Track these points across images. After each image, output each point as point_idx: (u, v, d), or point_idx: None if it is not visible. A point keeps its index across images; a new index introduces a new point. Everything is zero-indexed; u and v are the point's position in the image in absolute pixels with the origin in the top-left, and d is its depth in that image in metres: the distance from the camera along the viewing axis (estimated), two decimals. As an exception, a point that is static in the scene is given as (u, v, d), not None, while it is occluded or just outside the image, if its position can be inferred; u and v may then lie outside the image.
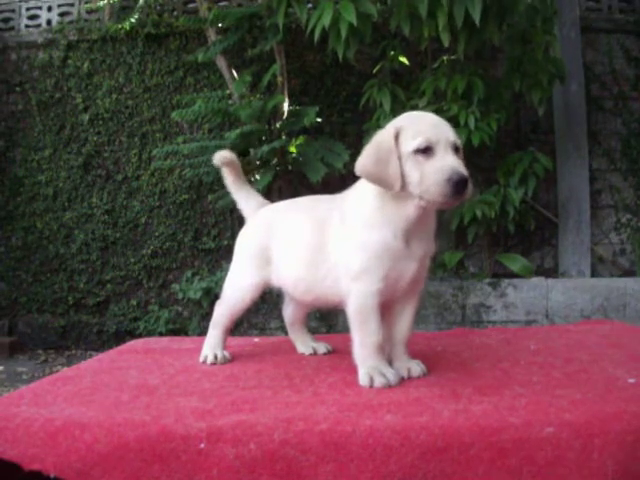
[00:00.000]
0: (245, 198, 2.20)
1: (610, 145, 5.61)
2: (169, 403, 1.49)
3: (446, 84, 4.51)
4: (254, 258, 2.01)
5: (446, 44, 4.07)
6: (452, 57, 4.63)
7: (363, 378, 1.63)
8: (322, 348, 2.13)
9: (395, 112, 4.59)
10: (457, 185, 1.54)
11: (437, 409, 1.38)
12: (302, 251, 1.85)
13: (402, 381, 1.65)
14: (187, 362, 1.99)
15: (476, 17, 3.78)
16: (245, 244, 2.08)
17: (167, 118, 5.58)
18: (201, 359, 1.99)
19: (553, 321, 4.74)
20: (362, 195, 1.75)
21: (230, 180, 2.21)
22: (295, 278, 1.89)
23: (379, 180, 1.65)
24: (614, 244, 5.60)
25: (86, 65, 5.73)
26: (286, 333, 2.24)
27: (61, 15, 5.94)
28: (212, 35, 5.22)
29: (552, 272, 5.44)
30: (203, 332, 5.39)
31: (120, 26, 5.60)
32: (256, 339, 2.48)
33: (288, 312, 2.23)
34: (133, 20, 5.56)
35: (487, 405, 1.40)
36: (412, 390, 1.55)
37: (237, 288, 2.05)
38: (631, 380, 1.56)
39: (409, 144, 1.62)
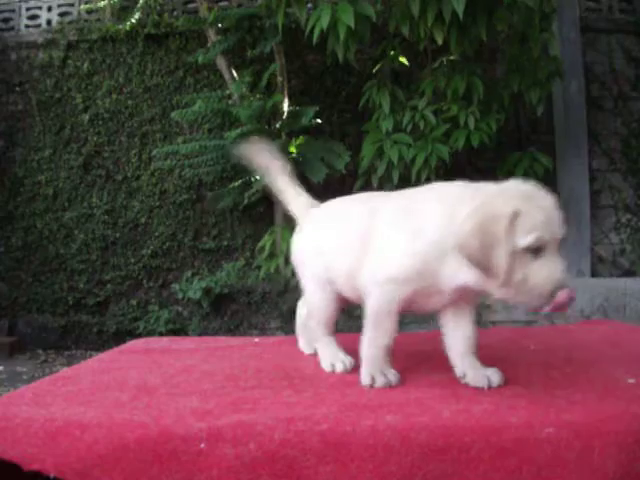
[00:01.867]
0: (295, 196, 2.05)
1: (610, 145, 5.62)
2: (169, 403, 1.49)
3: (445, 84, 4.51)
4: (315, 259, 1.86)
5: (439, 41, 4.07)
6: (451, 57, 4.62)
7: (365, 378, 1.60)
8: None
9: (394, 113, 4.60)
10: (558, 306, 1.38)
11: (437, 409, 1.38)
12: (351, 242, 1.72)
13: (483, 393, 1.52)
14: (187, 362, 1.99)
15: (459, 10, 3.75)
16: (305, 250, 1.94)
17: (167, 118, 5.58)
18: (328, 369, 1.82)
19: (553, 321, 4.74)
20: (436, 208, 1.54)
21: (272, 174, 2.05)
22: (345, 271, 1.75)
23: (479, 266, 1.42)
24: (614, 244, 5.60)
25: (86, 65, 5.73)
26: (286, 333, 2.23)
27: (61, 15, 5.94)
28: (212, 35, 5.23)
29: (552, 272, 5.44)
30: (203, 332, 5.42)
31: (120, 26, 5.60)
32: (256, 339, 2.48)
33: (303, 311, 2.14)
34: (133, 20, 5.56)
35: (487, 405, 1.40)
36: (412, 390, 1.55)
37: (317, 298, 1.90)
38: (631, 380, 1.56)
39: (522, 239, 1.39)
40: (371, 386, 1.58)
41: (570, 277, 1.40)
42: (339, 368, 1.80)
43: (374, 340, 1.62)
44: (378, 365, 1.61)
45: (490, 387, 1.56)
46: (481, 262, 1.42)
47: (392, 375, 1.60)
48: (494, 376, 1.58)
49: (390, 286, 1.57)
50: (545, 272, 1.39)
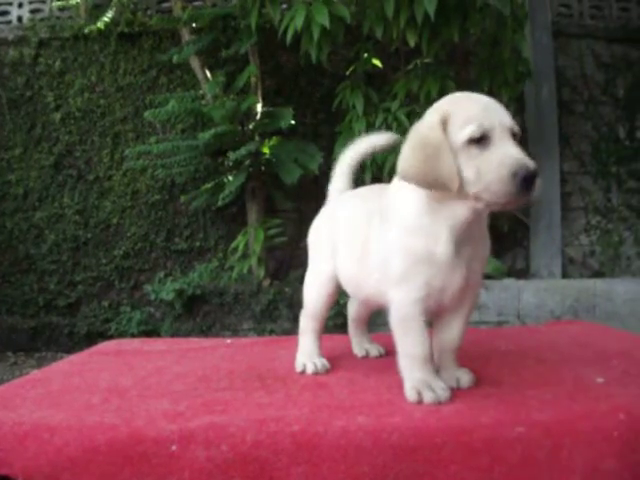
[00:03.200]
0: (339, 175, 2.00)
1: (580, 148, 5.70)
2: (140, 405, 1.47)
3: (419, 87, 4.53)
4: (323, 250, 1.85)
5: (412, 44, 4.09)
6: (425, 60, 4.65)
7: (410, 393, 1.47)
8: (374, 351, 2.01)
9: (367, 114, 4.62)
10: (525, 181, 1.28)
11: (409, 410, 1.39)
12: (353, 246, 1.70)
13: (452, 393, 1.48)
14: (159, 364, 1.98)
15: (431, 11, 3.77)
16: (314, 236, 1.93)
17: (140, 118, 5.53)
18: (299, 369, 1.81)
19: (524, 322, 4.79)
20: (404, 193, 1.50)
21: (355, 149, 1.99)
22: (346, 274, 1.75)
23: (431, 183, 1.37)
24: (584, 245, 5.68)
25: (58, 63, 5.66)
26: (258, 334, 2.22)
27: (32, 12, 5.86)
28: (186, 35, 5.20)
29: (523, 273, 5.51)
30: (175, 333, 5.38)
31: (93, 25, 5.54)
32: (228, 340, 2.47)
33: (352, 308, 2.09)
34: (106, 19, 5.51)
35: (458, 405, 1.41)
36: (384, 392, 1.55)
37: (312, 286, 1.88)
38: (599, 380, 1.59)
39: (459, 134, 1.35)
40: (419, 402, 1.44)
41: (541, 187, 1.32)
42: (309, 369, 1.80)
43: (407, 351, 1.53)
44: (421, 378, 1.49)
45: (459, 388, 1.57)
46: (431, 177, 1.37)
47: (440, 389, 1.47)
48: (464, 377, 1.59)
49: (405, 288, 1.50)
50: (497, 158, 1.32)
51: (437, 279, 1.47)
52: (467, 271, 1.48)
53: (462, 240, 1.45)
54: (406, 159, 1.41)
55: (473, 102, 1.42)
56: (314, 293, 1.89)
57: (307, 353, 1.87)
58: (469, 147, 1.35)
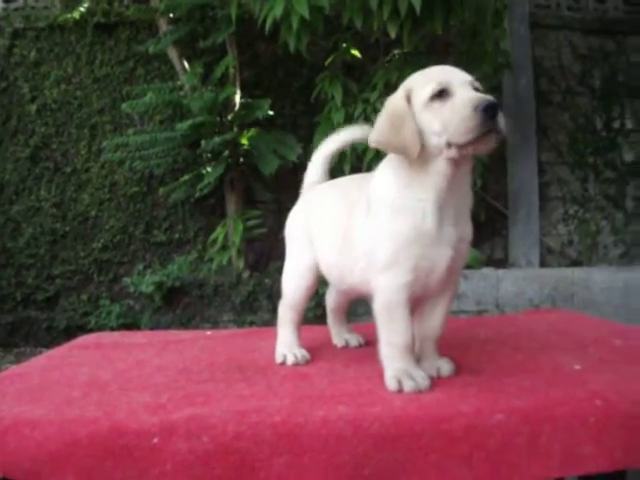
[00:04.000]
0: (315, 165, 2.03)
1: (558, 139, 5.75)
2: (121, 398, 1.47)
3: (397, 77, 4.53)
4: (301, 241, 1.87)
5: (392, 35, 4.09)
6: (404, 51, 4.65)
7: (390, 382, 1.48)
8: (354, 341, 2.03)
9: (346, 105, 4.62)
10: (486, 111, 1.37)
11: (389, 399, 1.40)
12: (333, 237, 1.72)
13: (432, 382, 1.50)
14: (139, 356, 1.97)
15: (417, 5, 3.77)
16: (292, 226, 1.95)
17: (117, 109, 5.49)
18: (279, 360, 1.82)
19: (503, 311, 4.83)
20: (384, 175, 1.57)
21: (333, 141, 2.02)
22: (328, 264, 1.77)
23: (396, 147, 1.49)
24: (562, 235, 5.73)
25: (33, 54, 5.59)
26: (239, 325, 2.22)
27: (6, 2, 5.77)
28: (163, 25, 5.16)
29: (502, 262, 5.55)
30: (155, 326, 5.35)
31: (69, 14, 5.48)
32: (208, 332, 2.47)
33: (330, 298, 2.09)
34: (82, 9, 5.45)
35: (438, 394, 1.43)
36: (364, 381, 1.56)
37: (291, 277, 1.90)
38: (577, 367, 1.61)
39: (421, 96, 1.47)
40: (399, 391, 1.46)
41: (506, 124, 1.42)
42: (290, 360, 1.81)
43: (389, 339, 1.54)
44: (402, 367, 1.51)
45: (440, 377, 1.58)
46: (396, 142, 1.48)
47: (421, 378, 1.48)
48: (444, 367, 1.60)
49: (392, 273, 1.52)
50: (458, 101, 1.42)
51: (425, 259, 1.50)
52: (453, 251, 1.51)
53: (446, 215, 1.50)
54: (377, 128, 1.53)
55: (431, 69, 1.54)
56: (293, 284, 1.90)
57: (287, 344, 1.88)
58: (432, 103, 1.46)
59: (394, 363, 1.52)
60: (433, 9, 4.00)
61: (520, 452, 1.27)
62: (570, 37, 5.76)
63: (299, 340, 1.90)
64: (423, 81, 1.49)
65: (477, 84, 1.49)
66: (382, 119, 1.52)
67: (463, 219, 1.56)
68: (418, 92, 1.48)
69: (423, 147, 1.46)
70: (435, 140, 1.45)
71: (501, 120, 1.40)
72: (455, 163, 1.47)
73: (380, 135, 1.51)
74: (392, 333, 1.53)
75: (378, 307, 1.55)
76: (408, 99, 1.50)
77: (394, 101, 1.52)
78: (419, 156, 1.47)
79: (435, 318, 1.63)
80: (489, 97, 1.40)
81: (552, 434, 1.28)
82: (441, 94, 1.45)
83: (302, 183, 2.05)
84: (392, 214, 1.51)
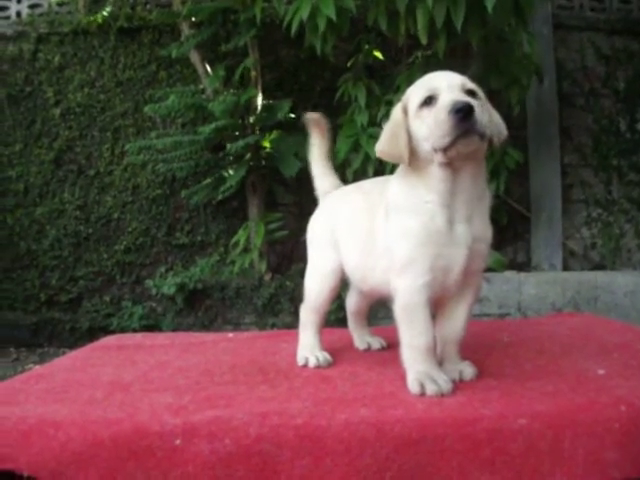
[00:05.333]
0: (320, 176, 2.07)
1: (581, 141, 5.68)
2: (143, 400, 1.48)
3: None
4: (326, 244, 1.89)
5: (424, 42, 4.05)
6: (427, 53, 4.63)
7: (412, 385, 1.49)
8: (376, 344, 2.04)
9: (370, 107, 4.61)
10: (457, 112, 1.41)
11: (411, 402, 1.40)
12: (357, 238, 1.76)
13: (455, 385, 1.51)
14: (161, 358, 1.98)
15: (458, 22, 3.74)
16: (316, 231, 1.98)
17: (140, 113, 5.52)
18: (300, 362, 1.84)
19: (525, 314, 4.79)
20: (397, 180, 1.63)
21: (315, 148, 2.09)
22: (352, 266, 1.80)
23: (394, 156, 1.59)
24: (585, 238, 5.67)
25: (57, 58, 5.65)
26: (260, 328, 2.23)
27: (31, 7, 5.84)
28: (185, 29, 5.19)
29: (525, 266, 5.51)
30: (177, 328, 5.38)
31: (92, 19, 5.53)
32: (230, 334, 2.48)
33: (351, 301, 2.12)
34: (105, 13, 5.50)
35: (460, 397, 1.42)
36: (387, 384, 1.56)
37: (314, 280, 1.91)
38: (601, 372, 1.59)
39: (413, 104, 1.54)
40: (422, 394, 1.46)
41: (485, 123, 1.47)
42: (312, 363, 1.82)
43: (411, 341, 1.55)
44: (423, 369, 1.52)
45: (462, 380, 1.57)
46: (392, 152, 1.58)
47: (443, 381, 1.49)
48: (467, 370, 1.60)
49: (410, 274, 1.54)
50: (437, 107, 1.46)
51: (441, 258, 1.52)
52: (469, 251, 1.53)
53: (457, 215, 1.53)
54: (380, 138, 1.63)
55: (426, 76, 1.59)
56: (316, 286, 1.90)
57: (309, 347, 1.88)
58: (422, 111, 1.51)
59: (416, 366, 1.52)
60: (468, 20, 3.94)
61: (543, 457, 1.26)
62: (593, 38, 5.70)
63: (321, 343, 1.91)
64: (415, 90, 1.56)
65: (471, 85, 1.53)
66: (385, 129, 1.61)
67: (479, 218, 1.57)
68: (411, 101, 1.55)
69: (417, 154, 1.53)
70: (425, 146, 1.51)
71: (479, 120, 1.43)
72: (451, 167, 1.50)
73: (381, 145, 1.61)
74: (413, 335, 1.54)
75: (398, 309, 1.56)
76: (405, 109, 1.57)
77: (394, 112, 1.61)
78: (420, 162, 1.53)
79: (456, 321, 1.63)
80: (463, 100, 1.43)
81: (575, 439, 1.27)
82: (429, 101, 1.50)
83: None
84: (403, 215, 1.56)
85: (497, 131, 1.57)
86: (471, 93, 1.51)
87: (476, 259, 1.56)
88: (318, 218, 1.99)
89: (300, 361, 1.84)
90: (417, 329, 1.53)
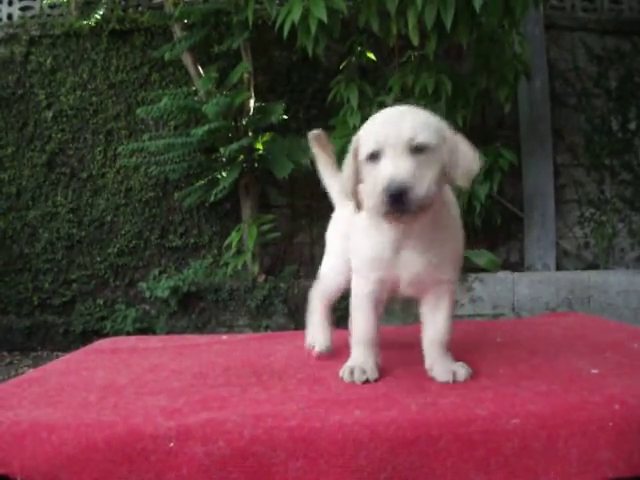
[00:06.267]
0: (334, 185, 2.06)
1: (573, 141, 5.71)
2: (137, 402, 1.48)
3: (413, 81, 4.52)
4: (339, 246, 1.93)
5: (415, 43, 4.07)
6: (419, 53, 4.63)
7: (344, 372, 1.62)
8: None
9: (362, 108, 4.62)
10: (392, 197, 1.37)
11: (405, 403, 1.40)
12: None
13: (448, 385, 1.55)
14: (155, 361, 1.98)
15: (447, 22, 3.77)
16: (331, 231, 2.02)
17: (132, 115, 5.52)
18: (308, 346, 1.98)
19: (519, 314, 4.80)
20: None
21: (321, 162, 2.07)
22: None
23: (347, 196, 1.61)
24: (578, 238, 5.69)
25: (49, 61, 5.64)
26: (254, 330, 2.24)
27: (23, 10, 5.83)
28: (178, 31, 5.19)
29: (518, 266, 5.52)
30: (171, 330, 5.37)
31: (84, 21, 5.52)
32: (224, 336, 2.47)
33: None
34: (97, 16, 5.49)
35: (455, 398, 1.42)
36: (380, 385, 1.56)
37: (329, 268, 1.97)
38: (594, 371, 1.60)
39: (362, 153, 1.49)
40: (352, 382, 1.59)
41: (407, 178, 1.39)
42: (316, 350, 1.94)
43: (354, 335, 1.69)
44: (358, 360, 1.64)
45: (455, 381, 1.57)
46: (346, 191, 1.59)
47: (370, 370, 1.61)
48: (460, 371, 1.60)
49: (360, 280, 1.67)
50: (378, 173, 1.42)
51: (388, 275, 1.62)
52: (422, 265, 1.57)
53: (407, 245, 1.56)
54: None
55: (376, 120, 1.52)
56: (331, 276, 1.96)
57: (316, 332, 1.98)
58: (368, 163, 1.47)
59: (354, 357, 1.66)
60: (458, 20, 3.96)
61: (537, 457, 1.26)
62: (585, 38, 5.72)
63: (329, 326, 1.98)
64: (365, 137, 1.50)
65: (419, 140, 1.42)
66: (343, 166, 1.61)
67: (433, 234, 1.57)
68: (360, 150, 1.51)
69: None
70: (367, 201, 1.49)
71: (414, 199, 1.37)
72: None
73: (342, 182, 1.63)
74: (356, 330, 1.68)
75: (351, 307, 1.70)
76: (355, 151, 1.54)
77: (348, 152, 1.57)
78: None
79: (437, 323, 1.67)
80: (399, 177, 1.37)
81: (569, 439, 1.27)
82: (374, 157, 1.45)
83: (317, 188, 2.09)
84: (362, 234, 1.65)
85: (464, 171, 1.49)
86: (419, 149, 1.42)
87: (433, 270, 1.59)
88: (337, 218, 2.03)
89: (308, 346, 1.98)
90: (360, 326, 1.67)
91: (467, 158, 1.51)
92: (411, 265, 1.58)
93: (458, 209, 1.68)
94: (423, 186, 1.39)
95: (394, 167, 1.39)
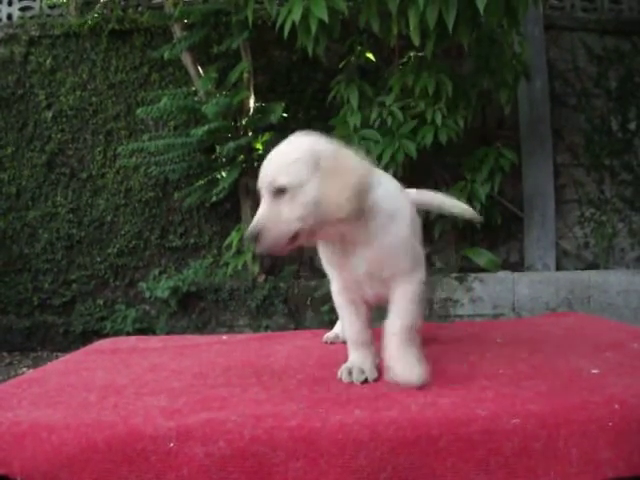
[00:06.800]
0: None
1: (573, 141, 5.70)
2: (137, 403, 1.48)
3: (413, 81, 4.52)
4: None
5: (417, 43, 4.06)
6: (419, 54, 4.63)
7: (342, 372, 1.64)
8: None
9: (362, 108, 4.62)
10: (251, 239, 1.50)
11: (405, 403, 1.40)
12: None
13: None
14: (155, 361, 1.98)
15: (450, 22, 3.76)
16: None
17: (132, 115, 5.51)
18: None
19: (519, 314, 4.80)
20: None
21: None
22: None
23: None
24: (578, 238, 5.69)
25: (49, 61, 5.63)
26: (254, 330, 2.26)
27: (22, 10, 5.83)
28: (177, 31, 5.18)
29: (518, 266, 5.52)
30: (171, 331, 5.36)
31: (84, 21, 5.52)
32: (224, 336, 2.47)
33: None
34: (97, 16, 5.49)
35: (455, 398, 1.42)
36: (380, 385, 1.56)
37: None
38: (594, 371, 1.60)
39: None
40: (351, 382, 1.61)
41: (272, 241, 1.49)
42: (328, 338, 2.15)
43: (346, 335, 1.75)
44: (354, 360, 1.67)
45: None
46: None
47: (369, 370, 1.63)
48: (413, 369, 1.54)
49: (333, 281, 1.77)
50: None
51: (347, 275, 1.68)
52: (368, 262, 1.62)
53: (348, 247, 1.61)
54: None
55: (270, 154, 1.64)
56: None
57: (338, 325, 2.14)
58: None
59: (350, 356, 1.68)
60: (460, 21, 3.95)
61: (537, 457, 1.26)
62: (585, 38, 5.72)
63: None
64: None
65: (279, 182, 1.50)
66: None
67: (374, 245, 1.60)
68: None
69: None
70: None
71: (268, 242, 1.48)
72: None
73: None
74: (347, 330, 1.73)
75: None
76: None
77: None
78: None
79: (390, 317, 1.64)
80: (255, 223, 1.49)
81: (569, 439, 1.27)
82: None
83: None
84: (320, 245, 1.70)
85: (332, 209, 1.50)
86: (281, 191, 1.50)
87: (378, 273, 1.63)
88: None
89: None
90: (344, 325, 1.75)
91: (335, 196, 1.50)
92: (357, 265, 1.63)
93: (402, 199, 1.72)
94: (278, 227, 1.48)
95: (260, 212, 1.52)
